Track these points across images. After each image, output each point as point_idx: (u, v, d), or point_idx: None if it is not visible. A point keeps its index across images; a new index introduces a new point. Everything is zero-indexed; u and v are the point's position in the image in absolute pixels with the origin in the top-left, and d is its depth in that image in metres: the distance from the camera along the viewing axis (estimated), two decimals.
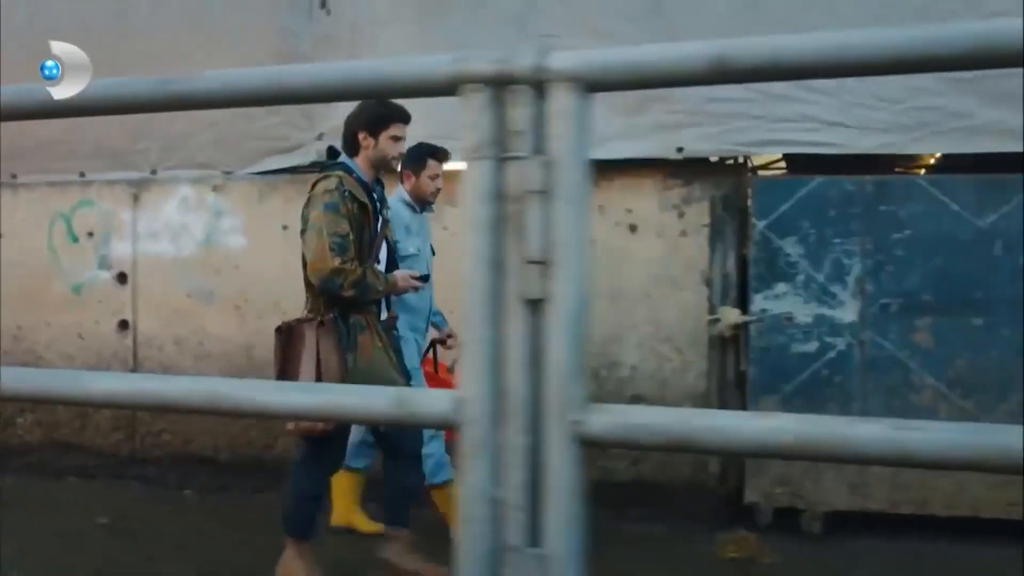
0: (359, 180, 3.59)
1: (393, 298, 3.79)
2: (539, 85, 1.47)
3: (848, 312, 4.59)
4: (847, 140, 4.59)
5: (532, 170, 1.47)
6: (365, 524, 4.46)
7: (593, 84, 1.46)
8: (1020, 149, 4.39)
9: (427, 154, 4.16)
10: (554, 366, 1.47)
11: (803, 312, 4.63)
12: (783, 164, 20.22)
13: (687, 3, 4.76)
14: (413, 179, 4.15)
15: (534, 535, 1.50)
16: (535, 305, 1.49)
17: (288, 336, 3.51)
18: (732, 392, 4.81)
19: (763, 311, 4.66)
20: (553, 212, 1.47)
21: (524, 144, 1.48)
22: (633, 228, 4.90)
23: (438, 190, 4.20)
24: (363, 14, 5.28)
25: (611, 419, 1.47)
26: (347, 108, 5.17)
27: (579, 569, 1.49)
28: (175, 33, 5.40)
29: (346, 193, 3.49)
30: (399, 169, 3.99)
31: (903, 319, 4.55)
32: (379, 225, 3.66)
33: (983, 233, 4.49)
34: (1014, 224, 4.47)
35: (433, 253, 4.28)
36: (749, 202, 4.75)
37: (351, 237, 3.46)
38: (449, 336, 4.34)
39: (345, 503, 4.48)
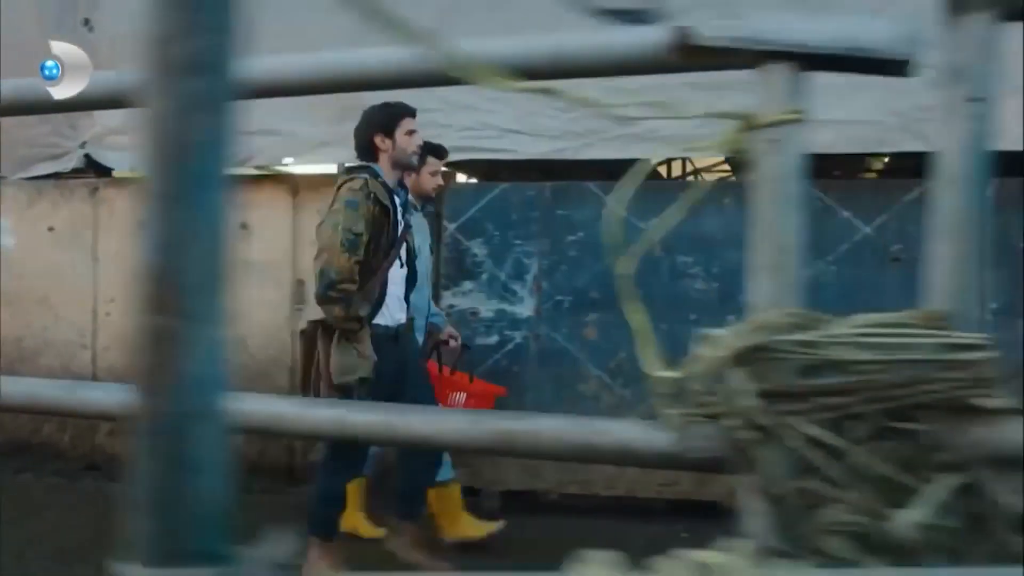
0: (384, 184, 3.66)
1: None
2: None
3: (526, 308, 5.01)
4: (522, 146, 5.00)
5: None
6: (369, 530, 4.46)
7: None
8: (675, 155, 4.82)
9: (427, 151, 4.18)
10: None
11: (487, 308, 5.05)
12: (727, 166, 20.55)
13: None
14: (414, 176, 4.13)
15: None
16: None
17: (311, 339, 3.65)
18: None
19: (451, 307, 5.08)
20: None
21: None
22: None
23: (439, 186, 4.33)
24: (121, 28, 5.71)
25: None
26: (111, 115, 5.61)
27: None
28: None
29: (370, 195, 3.55)
30: (417, 164, 3.98)
31: (573, 315, 4.97)
32: (401, 229, 3.71)
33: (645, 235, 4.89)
34: (674, 227, 4.88)
35: (432, 252, 4.46)
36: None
37: (364, 238, 3.50)
38: (451, 337, 4.42)
39: (349, 509, 4.35)
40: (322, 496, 3.73)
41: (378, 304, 3.64)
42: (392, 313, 3.72)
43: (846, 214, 4.77)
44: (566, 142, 4.97)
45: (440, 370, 4.41)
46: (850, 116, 4.66)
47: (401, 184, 3.82)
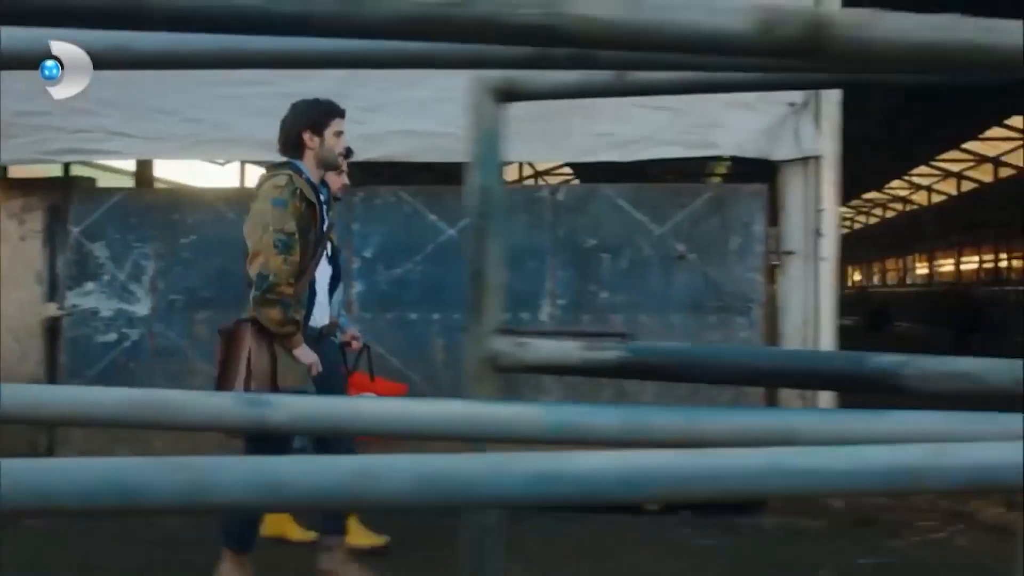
0: (308, 180, 3.54)
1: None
2: None
3: (143, 307, 5.28)
4: (128, 148, 5.28)
5: None
6: (298, 533, 4.40)
7: None
8: (265, 158, 5.14)
9: None
10: None
11: (107, 307, 5.31)
12: (571, 172, 21.23)
13: None
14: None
15: None
16: None
17: (230, 337, 3.49)
18: (57, 378, 5.46)
19: (74, 306, 5.32)
20: None
21: None
22: None
23: (345, 185, 4.10)
24: None
25: None
26: None
27: None
28: None
29: (296, 191, 3.44)
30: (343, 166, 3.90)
31: (186, 313, 5.25)
32: (325, 227, 3.61)
33: None
34: None
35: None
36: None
37: (296, 237, 3.40)
38: (354, 338, 4.13)
39: (276, 513, 4.26)
40: None
41: (308, 306, 3.56)
42: (318, 314, 3.63)
43: (432, 217, 5.15)
44: (169, 144, 5.26)
45: (346, 372, 4.27)
46: (428, 128, 5.05)
47: (323, 182, 3.73)
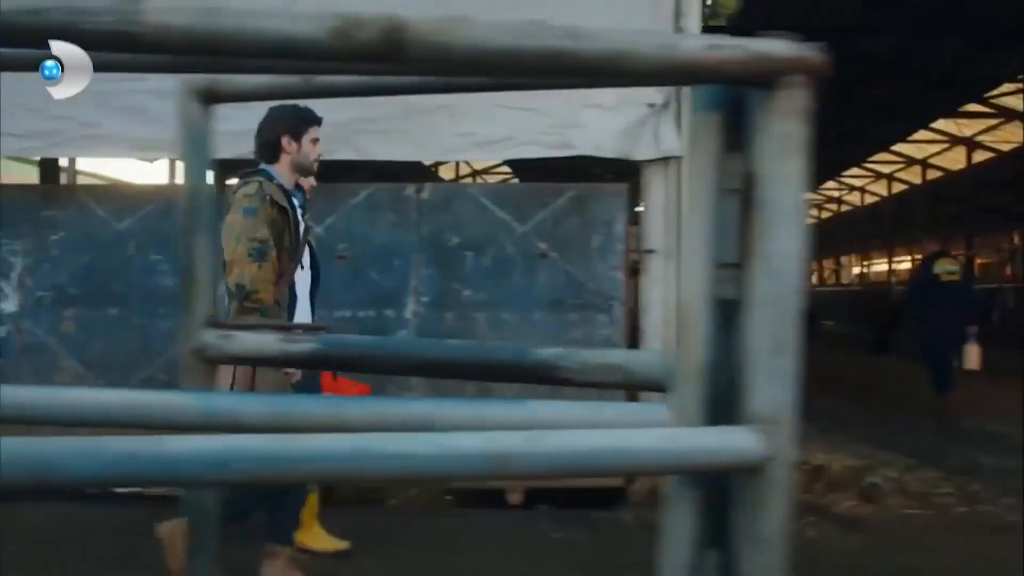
0: (280, 186, 3.56)
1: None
2: None
3: (10, 303, 5.26)
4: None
5: None
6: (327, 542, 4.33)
7: None
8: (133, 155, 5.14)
9: None
10: None
11: None
12: (508, 170, 21.23)
13: None
14: None
15: None
16: None
17: None
18: None
19: None
20: None
21: None
22: None
23: (312, 186, 4.11)
24: None
25: None
26: None
27: None
28: None
29: (266, 197, 3.46)
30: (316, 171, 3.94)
31: (54, 309, 5.25)
32: (302, 231, 3.63)
33: (120, 235, 5.23)
34: (146, 227, 5.23)
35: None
36: None
37: (270, 243, 3.42)
38: (321, 329, 4.04)
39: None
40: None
41: (289, 311, 3.56)
42: (298, 319, 3.62)
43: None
44: (37, 141, 5.24)
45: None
46: None
47: (298, 186, 3.76)
